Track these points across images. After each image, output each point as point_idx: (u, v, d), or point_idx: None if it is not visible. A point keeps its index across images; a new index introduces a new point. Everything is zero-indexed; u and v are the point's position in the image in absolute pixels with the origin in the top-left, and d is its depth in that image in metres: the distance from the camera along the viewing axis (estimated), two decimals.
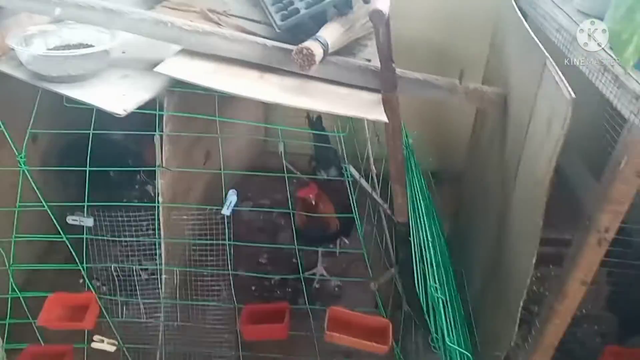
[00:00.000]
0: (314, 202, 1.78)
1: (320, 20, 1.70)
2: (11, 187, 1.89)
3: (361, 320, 1.63)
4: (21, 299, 1.64)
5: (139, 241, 1.63)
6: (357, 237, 2.23)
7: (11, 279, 1.62)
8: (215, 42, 1.50)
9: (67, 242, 1.55)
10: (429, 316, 1.36)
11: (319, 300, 2.09)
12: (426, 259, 1.44)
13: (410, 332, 1.87)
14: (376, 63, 1.72)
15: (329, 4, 1.61)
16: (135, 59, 1.56)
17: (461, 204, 2.25)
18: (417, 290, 1.40)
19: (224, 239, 1.68)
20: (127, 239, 1.62)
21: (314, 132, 2.09)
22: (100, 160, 2.01)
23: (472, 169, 2.11)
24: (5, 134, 1.42)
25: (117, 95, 1.35)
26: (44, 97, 1.43)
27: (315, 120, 2.10)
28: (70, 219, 1.52)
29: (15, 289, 1.63)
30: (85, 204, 1.53)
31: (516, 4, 1.66)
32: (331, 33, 1.54)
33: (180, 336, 1.74)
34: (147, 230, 1.69)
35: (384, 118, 1.36)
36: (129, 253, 1.88)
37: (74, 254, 1.57)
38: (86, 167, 1.48)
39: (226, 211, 1.54)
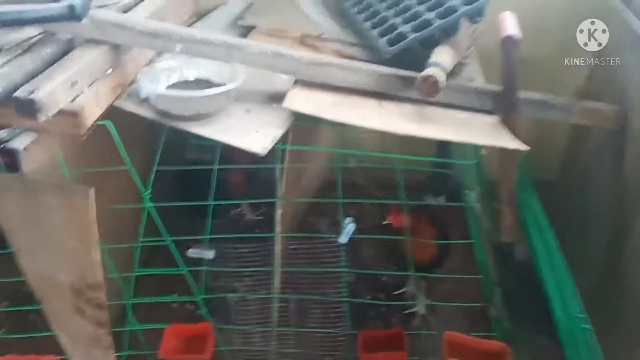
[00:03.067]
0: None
1: (425, 43, 1.69)
2: (114, 217, 1.92)
3: (477, 345, 1.61)
4: (137, 331, 1.66)
5: (256, 271, 1.63)
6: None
7: (129, 312, 1.63)
8: (332, 73, 1.50)
9: (187, 275, 1.56)
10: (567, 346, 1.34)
11: (411, 320, 2.07)
12: (561, 282, 1.41)
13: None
14: (479, 81, 1.71)
15: (437, 28, 1.60)
16: (249, 91, 1.56)
17: (552, 217, 2.21)
18: (556, 317, 1.37)
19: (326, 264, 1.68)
20: (243, 269, 1.62)
21: (437, 160, 2.05)
22: (192, 188, 2.04)
23: (568, 183, 2.07)
24: (133, 172, 1.43)
25: (250, 133, 1.35)
26: (132, 125, 1.42)
27: (445, 142, 2.06)
28: (191, 252, 1.54)
29: (132, 320, 1.64)
30: (208, 236, 1.54)
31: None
32: (445, 57, 1.52)
33: None
34: (254, 258, 1.69)
35: (523, 147, 1.34)
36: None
37: (194, 285, 1.58)
38: (209, 200, 1.48)
39: (343, 239, 1.54)
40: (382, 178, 2.79)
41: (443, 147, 2.08)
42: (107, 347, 1.65)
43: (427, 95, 1.39)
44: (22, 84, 1.29)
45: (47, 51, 1.43)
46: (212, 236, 1.53)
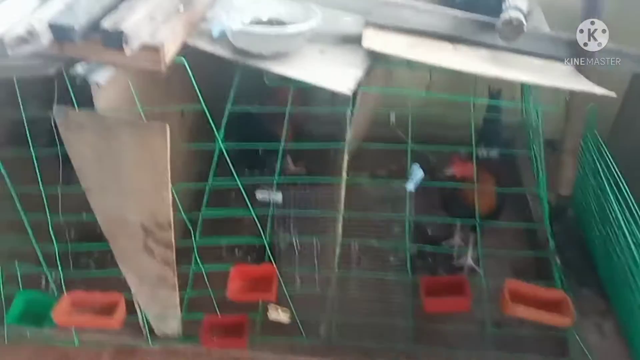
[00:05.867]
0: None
1: None
2: (183, 166, 1.93)
3: (537, 293, 1.64)
4: (203, 272, 1.69)
5: (320, 216, 1.64)
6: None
7: (195, 253, 1.66)
8: (406, 14, 1.47)
9: (255, 217, 1.58)
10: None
11: (459, 271, 2.10)
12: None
13: None
14: (544, 30, 1.68)
15: None
16: (319, 33, 1.53)
17: None
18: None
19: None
20: (307, 213, 1.63)
21: (491, 103, 2.01)
22: (241, 136, 2.04)
23: (624, 140, 2.05)
24: (207, 113, 1.43)
25: (330, 73, 1.34)
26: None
27: (495, 94, 2.04)
28: (259, 195, 1.54)
29: (199, 262, 1.67)
30: (276, 179, 1.54)
31: None
32: (522, 3, 1.48)
33: (349, 306, 1.78)
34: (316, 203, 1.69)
35: (610, 93, 1.32)
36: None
37: (260, 228, 1.60)
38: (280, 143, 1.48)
39: (411, 186, 1.54)
40: (425, 133, 2.79)
41: (495, 95, 2.06)
42: (173, 286, 1.68)
43: (508, 38, 1.36)
44: (101, 17, 1.28)
45: None
46: (282, 180, 1.54)
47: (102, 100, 1.43)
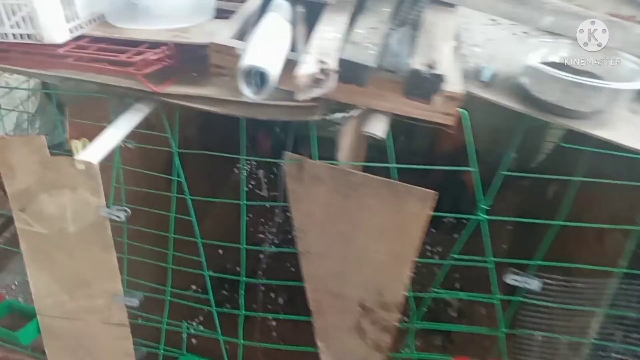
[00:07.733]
0: None
1: None
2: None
3: None
4: None
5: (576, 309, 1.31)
6: None
7: (411, 337, 1.36)
8: None
9: (498, 304, 1.27)
10: None
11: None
12: None
13: None
14: None
15: None
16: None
17: None
18: None
19: None
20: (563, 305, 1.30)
21: None
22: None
23: None
24: (477, 177, 1.13)
25: None
26: None
27: None
28: (511, 279, 1.23)
29: (413, 348, 1.37)
30: (537, 262, 1.23)
31: None
32: None
33: None
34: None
35: None
36: None
37: (503, 318, 1.29)
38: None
39: None
40: None
41: None
42: None
43: None
44: (382, 54, 1.01)
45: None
46: (541, 263, 1.22)
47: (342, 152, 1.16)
